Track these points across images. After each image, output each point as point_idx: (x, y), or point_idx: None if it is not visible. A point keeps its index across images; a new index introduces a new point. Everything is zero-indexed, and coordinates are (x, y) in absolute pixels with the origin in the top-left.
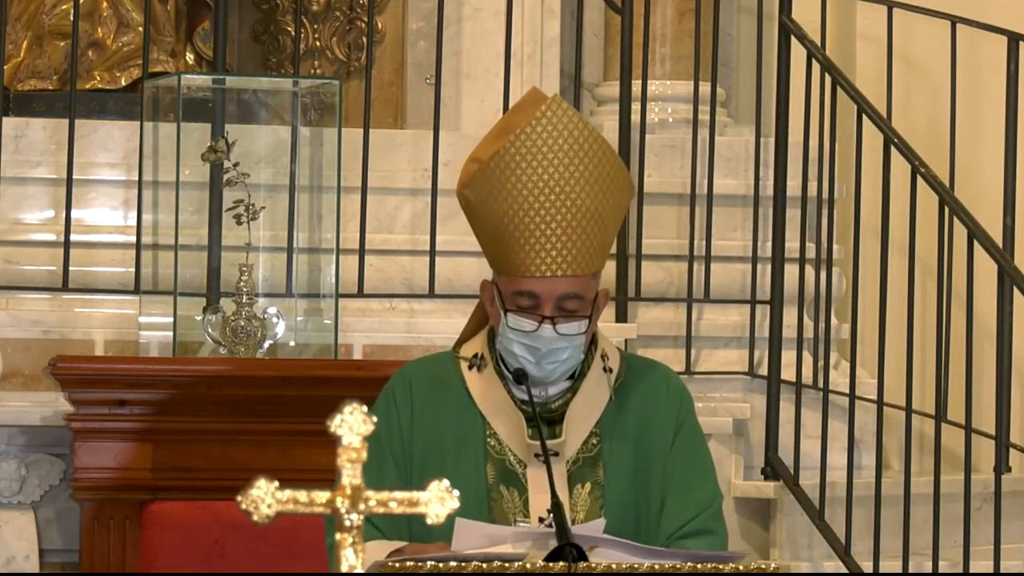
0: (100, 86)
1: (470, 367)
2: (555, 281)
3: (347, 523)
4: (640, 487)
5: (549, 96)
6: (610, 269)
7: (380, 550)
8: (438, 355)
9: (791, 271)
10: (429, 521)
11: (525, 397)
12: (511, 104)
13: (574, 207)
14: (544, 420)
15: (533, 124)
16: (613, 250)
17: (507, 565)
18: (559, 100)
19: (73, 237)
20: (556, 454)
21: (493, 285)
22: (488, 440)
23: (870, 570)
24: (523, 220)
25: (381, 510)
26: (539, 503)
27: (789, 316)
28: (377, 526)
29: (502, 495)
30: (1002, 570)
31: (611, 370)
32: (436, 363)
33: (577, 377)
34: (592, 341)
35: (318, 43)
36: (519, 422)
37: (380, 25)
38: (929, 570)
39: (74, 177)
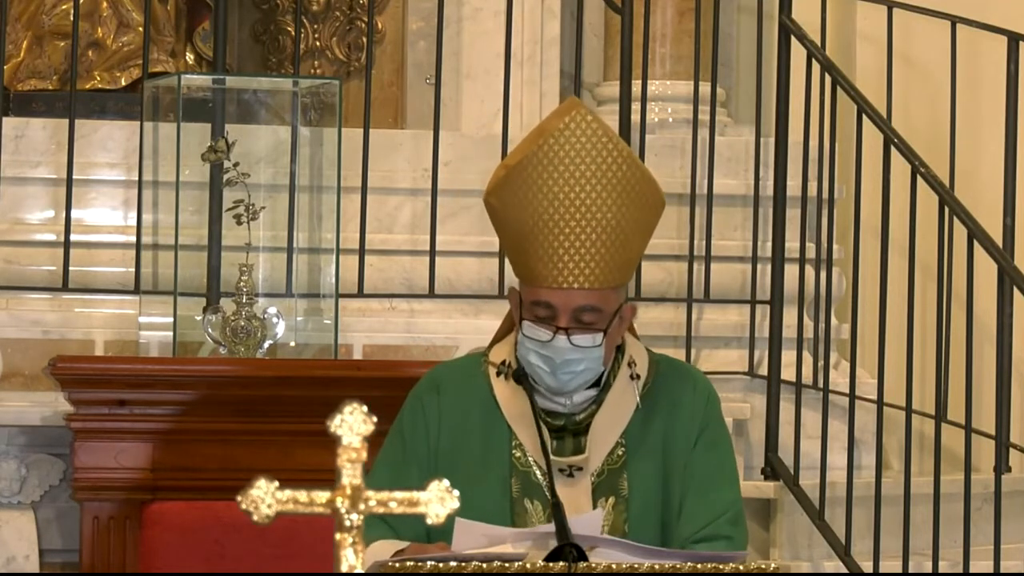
0: (100, 86)
1: (498, 373)
2: (572, 293)
3: (347, 523)
4: (665, 496)
5: (584, 105)
6: None
7: (387, 549)
8: (469, 357)
9: (791, 271)
10: (429, 521)
11: (550, 407)
12: (511, 105)
13: (594, 220)
14: (570, 432)
15: (556, 135)
16: None
17: (507, 565)
18: (584, 112)
19: (73, 237)
20: (580, 469)
21: (518, 293)
22: (513, 451)
23: (870, 570)
24: (543, 230)
25: (381, 510)
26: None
27: (789, 316)
28: (392, 525)
29: (526, 509)
30: (1002, 570)
31: (639, 376)
32: (466, 366)
33: (603, 388)
34: (619, 348)
35: (318, 43)
36: (544, 435)
37: (380, 25)
38: (929, 570)
39: (74, 177)
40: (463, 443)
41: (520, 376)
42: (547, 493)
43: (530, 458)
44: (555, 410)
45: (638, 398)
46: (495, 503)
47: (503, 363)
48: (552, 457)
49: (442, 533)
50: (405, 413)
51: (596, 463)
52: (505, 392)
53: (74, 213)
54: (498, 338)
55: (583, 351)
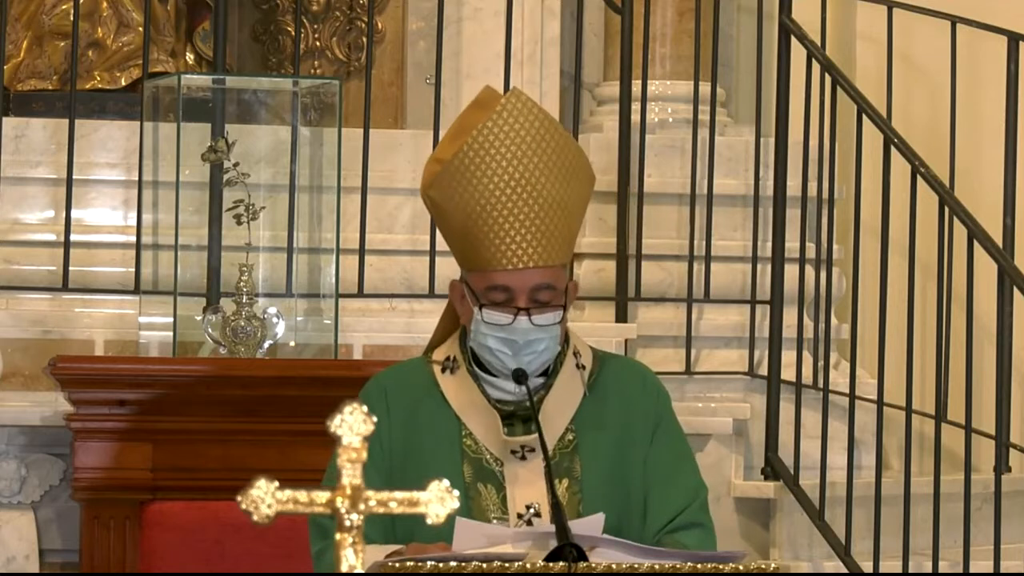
0: (100, 86)
1: (443, 370)
2: (527, 273)
3: (347, 523)
4: (619, 483)
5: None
6: (610, 269)
7: (376, 551)
8: (410, 361)
9: (791, 271)
10: (429, 521)
11: (500, 396)
12: None
13: (540, 197)
14: (519, 418)
15: (495, 118)
16: (613, 250)
17: (507, 565)
18: (518, 92)
19: (73, 237)
20: (532, 450)
21: (463, 284)
22: (464, 440)
23: (870, 570)
24: (491, 214)
25: (381, 510)
26: (517, 499)
27: (789, 316)
28: (365, 532)
29: (479, 492)
30: (1002, 570)
31: (584, 367)
32: (409, 369)
33: (551, 373)
34: (565, 339)
35: (318, 43)
36: (494, 421)
37: (380, 25)
38: (929, 570)
39: (74, 177)
40: (413, 439)
41: (520, 376)
42: (500, 478)
43: (481, 446)
44: (504, 398)
45: (585, 387)
46: None
47: (447, 359)
48: (504, 438)
49: (437, 533)
50: None
51: (549, 445)
52: (451, 386)
53: (74, 213)
54: (436, 341)
55: (544, 330)
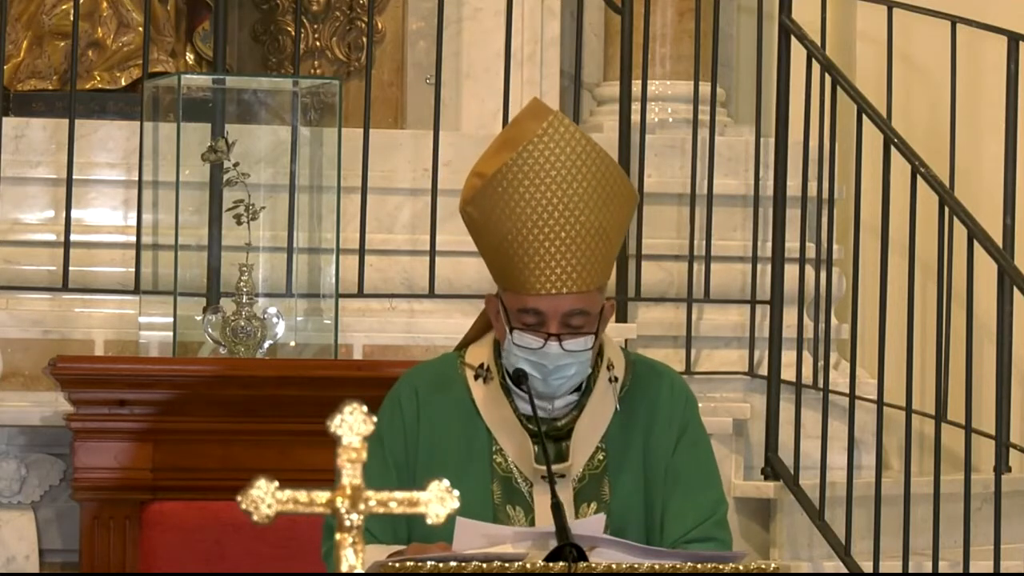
0: (100, 86)
1: (476, 377)
2: (560, 298)
3: (347, 523)
4: (645, 498)
5: (550, 106)
6: None
7: (379, 552)
8: (443, 359)
9: (791, 271)
10: (429, 521)
11: (531, 413)
12: (511, 104)
13: (578, 224)
14: (551, 438)
15: (535, 142)
16: None
17: (507, 565)
18: (561, 117)
19: (73, 237)
20: (563, 476)
21: (498, 299)
22: (494, 456)
23: (870, 570)
24: (527, 238)
25: (381, 510)
26: (545, 526)
27: (789, 316)
28: (374, 533)
29: (509, 515)
30: (1002, 570)
31: (616, 379)
32: (442, 369)
33: (584, 392)
34: (599, 351)
35: (318, 43)
36: (525, 441)
37: (380, 25)
38: (929, 570)
39: (74, 177)
40: (442, 447)
41: (520, 377)
42: (529, 499)
43: (511, 464)
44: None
45: (616, 402)
46: (477, 509)
47: (481, 366)
48: (535, 465)
49: (442, 533)
50: (383, 416)
51: (578, 467)
52: (484, 396)
53: (74, 213)
54: (471, 338)
55: (574, 355)
